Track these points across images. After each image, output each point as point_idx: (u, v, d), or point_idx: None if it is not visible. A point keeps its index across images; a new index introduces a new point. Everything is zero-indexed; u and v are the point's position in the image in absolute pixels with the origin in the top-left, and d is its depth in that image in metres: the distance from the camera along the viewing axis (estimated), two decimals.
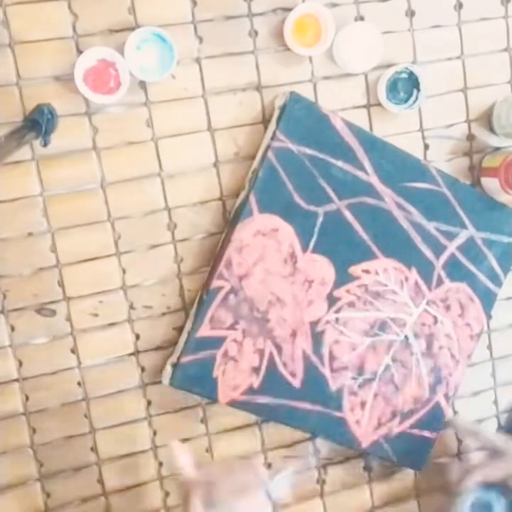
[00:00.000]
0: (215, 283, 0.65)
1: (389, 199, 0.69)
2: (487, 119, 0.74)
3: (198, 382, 0.65)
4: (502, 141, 0.74)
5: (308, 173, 0.66)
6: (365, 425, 0.70)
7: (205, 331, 0.65)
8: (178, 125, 0.67)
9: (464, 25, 0.73)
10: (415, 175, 0.70)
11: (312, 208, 0.67)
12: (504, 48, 0.74)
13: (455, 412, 0.77)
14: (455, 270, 0.71)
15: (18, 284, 0.66)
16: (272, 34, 0.68)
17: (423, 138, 0.73)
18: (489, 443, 0.70)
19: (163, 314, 0.69)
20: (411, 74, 0.70)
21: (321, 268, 0.68)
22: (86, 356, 0.68)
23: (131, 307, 0.68)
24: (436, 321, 0.71)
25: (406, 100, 0.71)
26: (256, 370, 0.67)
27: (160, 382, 0.69)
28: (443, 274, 0.71)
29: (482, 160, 0.74)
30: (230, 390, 0.66)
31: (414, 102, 0.71)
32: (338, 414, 0.69)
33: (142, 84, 0.66)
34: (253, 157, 0.69)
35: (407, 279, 0.70)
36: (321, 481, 0.74)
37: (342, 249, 0.68)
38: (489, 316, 0.76)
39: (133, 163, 0.67)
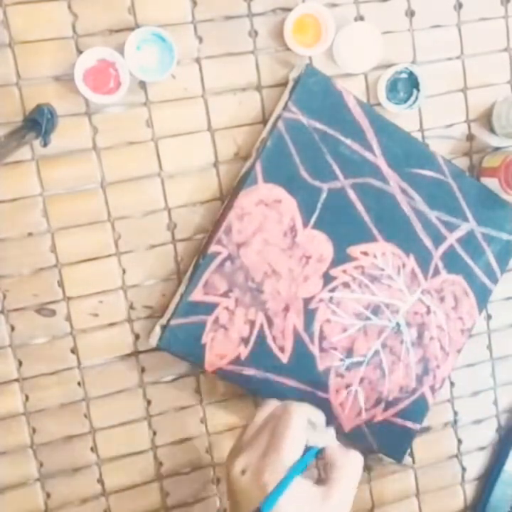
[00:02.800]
0: (213, 248, 0.65)
1: (394, 183, 0.69)
2: (487, 119, 0.74)
3: (186, 346, 0.65)
4: (502, 141, 0.75)
5: (316, 148, 0.66)
6: (348, 409, 0.70)
7: (197, 295, 0.65)
8: (178, 125, 0.67)
9: (464, 25, 0.73)
10: (422, 162, 0.70)
11: (317, 183, 0.67)
12: (504, 48, 0.74)
13: (455, 413, 0.77)
14: (452, 262, 0.71)
15: (18, 284, 0.66)
16: (272, 34, 0.68)
17: (423, 138, 0.73)
18: None
19: (163, 314, 0.69)
20: (411, 74, 0.70)
21: (320, 245, 0.67)
22: (86, 356, 0.68)
23: (131, 307, 0.68)
24: (429, 311, 0.71)
25: (406, 100, 0.71)
26: (245, 340, 0.66)
27: (160, 381, 0.69)
28: (440, 265, 0.71)
29: (482, 160, 0.74)
30: (218, 358, 0.66)
31: (414, 102, 0.71)
32: (322, 394, 0.69)
33: (142, 84, 0.66)
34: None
35: (404, 265, 0.70)
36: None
37: (342, 229, 0.68)
38: (489, 316, 0.77)
39: (133, 163, 0.67)
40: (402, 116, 0.72)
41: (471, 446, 0.78)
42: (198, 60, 0.67)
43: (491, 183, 0.71)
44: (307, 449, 0.58)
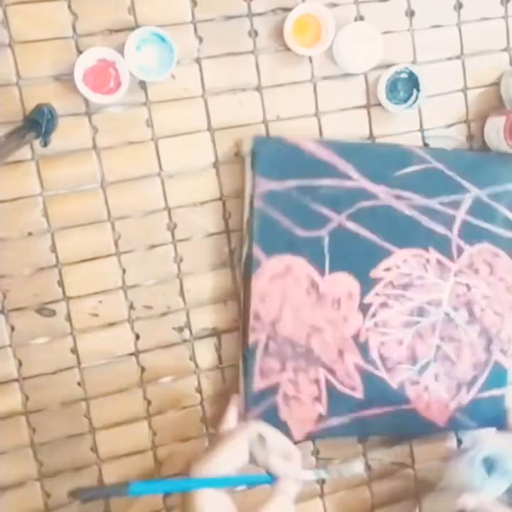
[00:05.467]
0: (251, 338, 0.67)
1: (384, 195, 0.69)
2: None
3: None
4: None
5: (299, 203, 0.67)
6: (435, 407, 0.72)
7: (259, 384, 0.67)
8: (178, 125, 0.67)
9: (464, 25, 0.73)
10: (402, 161, 0.69)
11: (315, 233, 0.67)
12: (504, 48, 0.74)
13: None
14: (471, 234, 0.72)
15: (18, 284, 0.66)
16: (272, 34, 0.68)
17: (423, 138, 0.73)
18: None
19: (163, 314, 0.69)
20: (411, 74, 0.70)
21: (344, 284, 0.69)
22: (86, 356, 0.68)
23: (131, 307, 0.68)
24: (469, 288, 0.72)
25: (406, 100, 0.71)
26: (318, 398, 0.69)
27: (160, 381, 0.69)
28: (461, 243, 0.71)
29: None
30: (302, 426, 0.69)
31: (414, 102, 0.71)
32: (407, 407, 0.71)
33: (142, 84, 0.66)
34: None
35: (428, 260, 0.71)
36: (321, 481, 0.74)
37: (357, 259, 0.69)
38: None
39: (133, 163, 0.67)
40: (402, 117, 0.72)
41: None
42: (198, 60, 0.67)
43: (496, 122, 0.70)
44: (262, 471, 0.60)
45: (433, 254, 0.71)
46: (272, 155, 0.66)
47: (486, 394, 0.73)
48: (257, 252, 0.66)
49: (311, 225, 0.67)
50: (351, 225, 0.68)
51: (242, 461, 0.60)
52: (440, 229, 0.71)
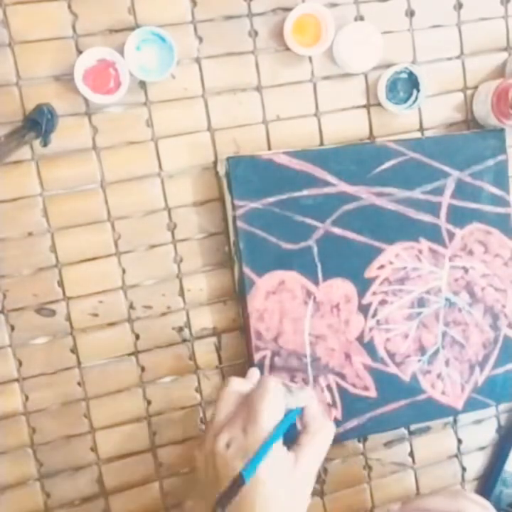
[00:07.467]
0: (257, 356, 0.67)
1: (365, 194, 0.69)
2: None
3: (289, 439, 0.64)
4: None
5: (282, 218, 0.67)
6: (451, 392, 0.72)
7: None
8: (178, 125, 0.67)
9: (464, 25, 0.73)
10: (377, 158, 0.69)
11: (302, 244, 0.68)
12: (504, 48, 0.74)
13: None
14: (459, 217, 0.72)
15: (18, 284, 0.66)
16: (272, 34, 0.68)
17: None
18: None
19: (163, 314, 0.69)
20: (411, 74, 0.70)
21: (339, 289, 0.69)
22: (86, 356, 0.68)
23: (131, 307, 0.68)
24: (466, 270, 0.72)
25: (406, 100, 0.71)
26: (333, 404, 0.70)
27: (160, 381, 0.69)
28: (450, 227, 0.71)
29: None
30: None
31: (414, 102, 0.71)
32: (422, 397, 0.72)
33: (142, 84, 0.66)
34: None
35: (420, 251, 0.71)
36: (321, 481, 0.74)
37: (349, 262, 0.69)
38: None
39: (133, 163, 0.67)
40: (401, 117, 0.72)
41: (471, 446, 0.78)
42: (198, 60, 0.67)
43: (487, 86, 0.70)
44: (287, 412, 0.59)
45: (424, 244, 0.71)
46: (247, 175, 0.66)
47: (500, 370, 0.74)
48: (248, 272, 0.67)
49: (297, 237, 0.68)
50: (338, 230, 0.68)
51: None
52: (427, 218, 0.71)
